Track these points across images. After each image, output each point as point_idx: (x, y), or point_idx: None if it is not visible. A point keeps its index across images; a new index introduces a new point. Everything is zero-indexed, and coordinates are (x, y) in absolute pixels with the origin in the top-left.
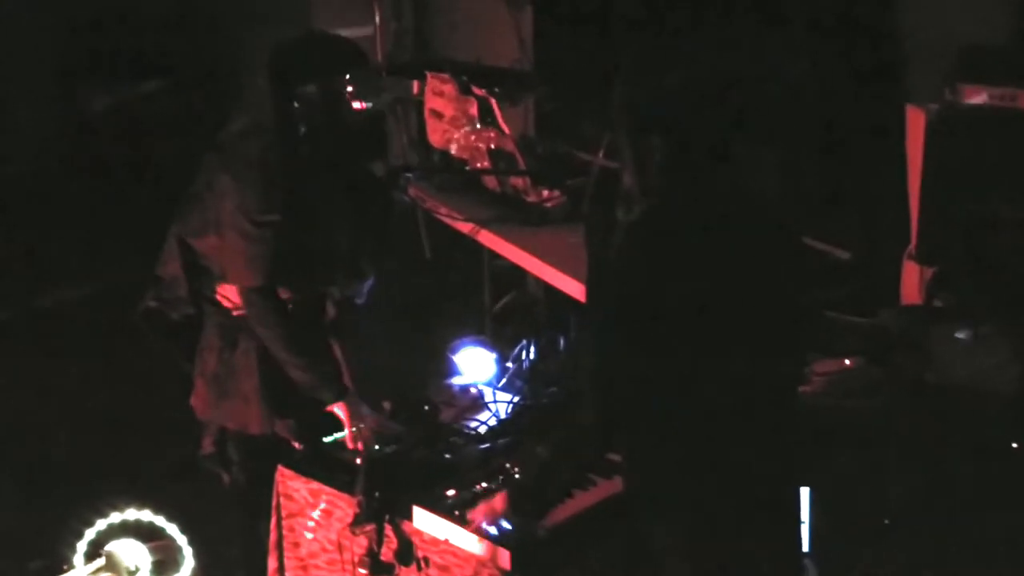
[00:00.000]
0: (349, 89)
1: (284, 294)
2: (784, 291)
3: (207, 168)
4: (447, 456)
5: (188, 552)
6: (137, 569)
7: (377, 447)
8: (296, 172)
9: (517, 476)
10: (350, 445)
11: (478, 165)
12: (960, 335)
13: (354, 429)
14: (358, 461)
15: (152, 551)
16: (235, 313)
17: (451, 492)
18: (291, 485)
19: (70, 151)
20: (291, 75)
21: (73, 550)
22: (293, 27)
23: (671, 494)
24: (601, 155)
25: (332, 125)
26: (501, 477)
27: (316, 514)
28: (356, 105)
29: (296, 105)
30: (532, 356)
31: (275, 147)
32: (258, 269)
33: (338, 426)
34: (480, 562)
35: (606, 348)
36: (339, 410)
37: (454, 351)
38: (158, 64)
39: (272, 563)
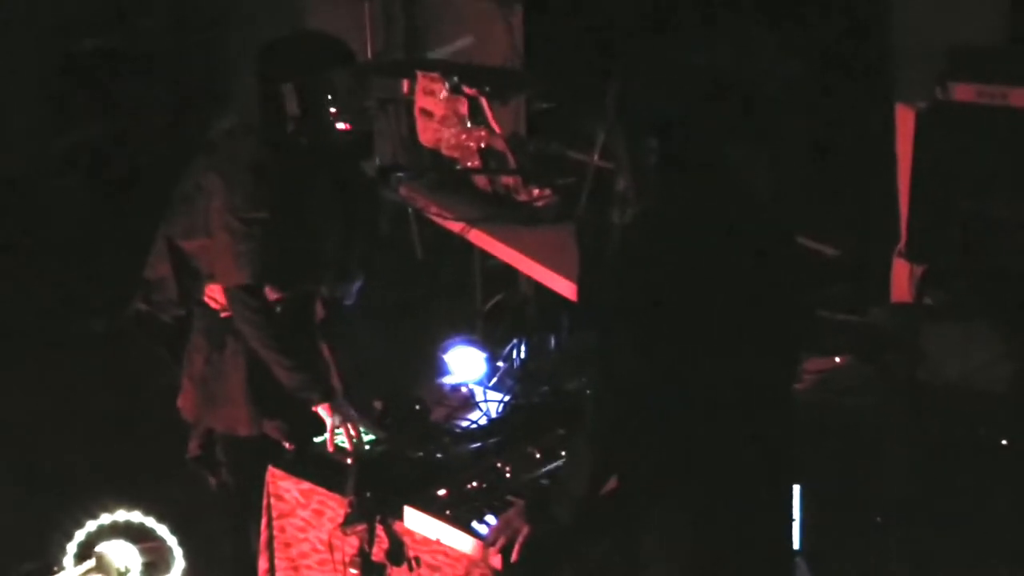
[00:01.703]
0: (336, 88)
1: (273, 294)
2: (780, 290)
3: (196, 169)
4: (438, 456)
5: (179, 553)
6: (128, 570)
7: (365, 448)
8: (284, 170)
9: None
10: (330, 447)
11: (468, 164)
12: (951, 333)
13: (337, 431)
14: (349, 461)
15: (143, 552)
16: (223, 315)
17: (442, 492)
18: (282, 485)
19: (66, 154)
20: (278, 73)
21: (63, 551)
22: (286, 29)
23: (664, 493)
24: (595, 155)
25: (320, 123)
26: (495, 478)
27: (307, 514)
28: (340, 124)
29: (283, 103)
30: (523, 355)
31: (262, 145)
32: (247, 267)
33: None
34: (471, 562)
35: (601, 348)
36: (323, 411)
37: (445, 350)
38: (154, 67)
39: (263, 563)
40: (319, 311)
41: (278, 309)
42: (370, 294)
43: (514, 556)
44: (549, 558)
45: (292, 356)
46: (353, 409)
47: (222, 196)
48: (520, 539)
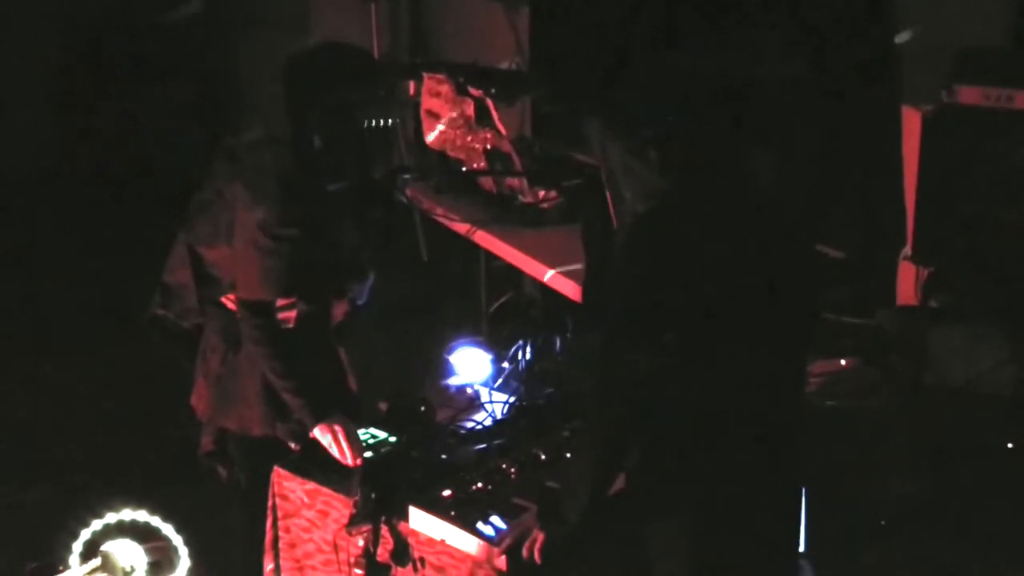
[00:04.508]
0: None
1: (290, 302)
2: (787, 291)
3: (217, 176)
4: (443, 457)
5: (184, 552)
6: (133, 569)
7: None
8: (311, 184)
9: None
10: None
11: (474, 166)
12: (956, 336)
13: (333, 447)
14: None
15: (148, 551)
16: (238, 316)
17: (447, 493)
18: (287, 486)
19: (71, 154)
20: (306, 86)
21: (69, 550)
22: (291, 30)
23: (672, 494)
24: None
25: (346, 136)
26: (498, 478)
27: (312, 515)
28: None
29: (311, 117)
30: (528, 356)
31: (290, 159)
32: (272, 282)
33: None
34: (476, 563)
35: (605, 348)
36: (319, 433)
37: (450, 351)
38: (159, 67)
39: (268, 563)
40: (336, 314)
41: (292, 325)
42: (377, 295)
43: (537, 560)
44: (556, 559)
45: (291, 377)
46: (343, 419)
47: (249, 209)
48: (538, 546)
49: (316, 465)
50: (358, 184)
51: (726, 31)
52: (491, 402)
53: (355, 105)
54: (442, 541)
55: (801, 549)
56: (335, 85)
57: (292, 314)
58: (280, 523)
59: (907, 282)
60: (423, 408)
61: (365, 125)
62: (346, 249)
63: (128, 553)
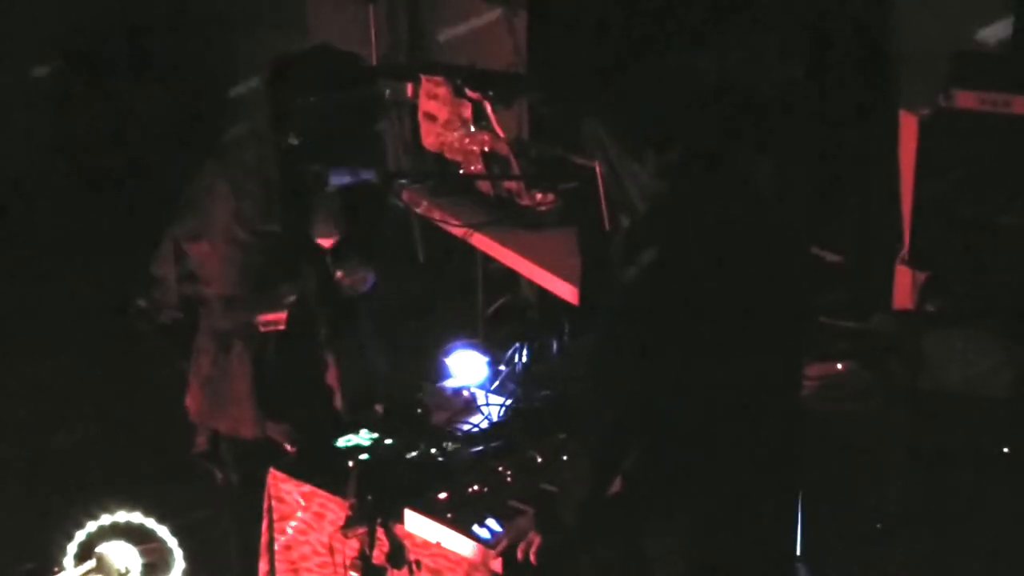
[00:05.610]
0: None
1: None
2: (784, 294)
3: (206, 172)
4: (439, 459)
5: (179, 554)
6: (128, 571)
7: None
8: (291, 181)
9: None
10: None
11: (472, 168)
12: (952, 340)
13: None
14: (350, 464)
15: (143, 553)
16: (217, 311)
17: (443, 495)
18: (283, 488)
19: (67, 153)
20: (292, 86)
21: (64, 551)
22: (289, 30)
23: (669, 496)
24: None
25: (331, 137)
26: (496, 481)
27: (308, 517)
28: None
29: (293, 118)
30: (525, 359)
31: (272, 155)
32: (248, 277)
33: (335, 431)
34: (472, 565)
35: (601, 352)
36: None
37: (447, 354)
38: (156, 66)
39: (263, 566)
40: (325, 325)
41: (282, 327)
42: (373, 297)
43: (533, 562)
44: (553, 562)
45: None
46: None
47: (229, 204)
48: (534, 549)
49: (312, 467)
50: (348, 184)
51: (724, 34)
52: (488, 404)
53: (339, 106)
54: (438, 543)
55: (798, 552)
56: (318, 86)
57: (283, 315)
58: (276, 525)
59: (904, 286)
60: (419, 410)
61: (374, 128)
62: (328, 248)
63: (123, 555)
